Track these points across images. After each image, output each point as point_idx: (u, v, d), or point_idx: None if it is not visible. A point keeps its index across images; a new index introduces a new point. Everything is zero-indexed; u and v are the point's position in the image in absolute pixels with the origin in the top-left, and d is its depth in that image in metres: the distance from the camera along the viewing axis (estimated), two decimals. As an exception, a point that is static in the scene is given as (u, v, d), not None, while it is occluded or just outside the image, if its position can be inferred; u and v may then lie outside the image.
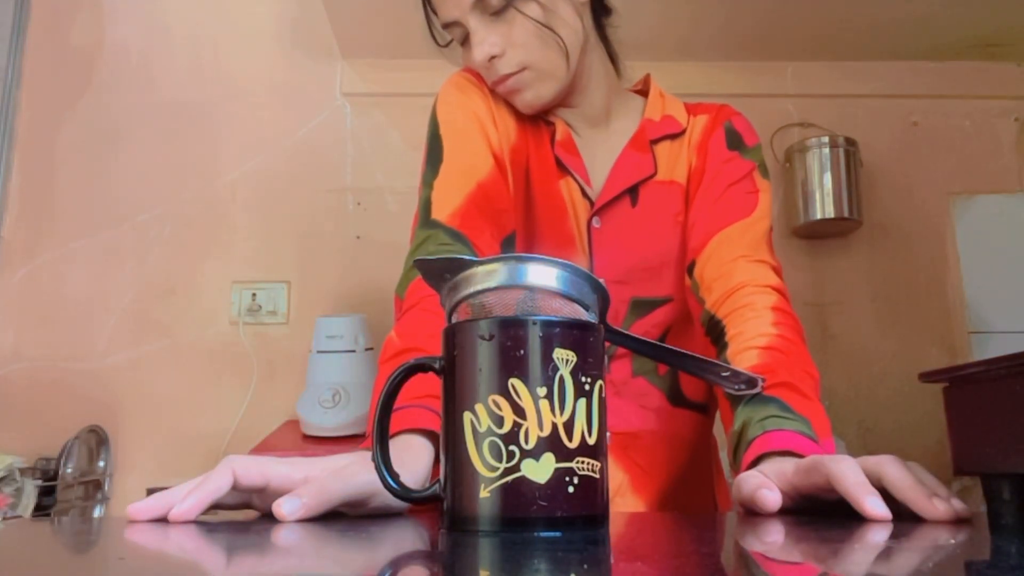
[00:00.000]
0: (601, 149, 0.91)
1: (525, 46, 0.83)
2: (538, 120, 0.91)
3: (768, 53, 2.12)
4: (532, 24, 0.82)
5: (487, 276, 0.48)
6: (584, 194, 0.88)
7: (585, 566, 0.34)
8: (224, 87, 2.13)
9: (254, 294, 2.00)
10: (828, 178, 1.99)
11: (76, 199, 2.06)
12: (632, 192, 0.88)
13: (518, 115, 0.90)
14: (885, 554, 0.36)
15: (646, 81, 0.99)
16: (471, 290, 0.48)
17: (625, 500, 0.83)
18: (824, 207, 1.98)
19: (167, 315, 1.99)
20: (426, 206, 0.82)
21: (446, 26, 0.87)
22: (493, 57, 0.84)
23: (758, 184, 0.88)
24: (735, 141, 0.91)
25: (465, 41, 0.87)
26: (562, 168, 0.88)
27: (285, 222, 2.06)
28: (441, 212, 0.81)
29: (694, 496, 0.89)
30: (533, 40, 0.83)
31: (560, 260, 0.48)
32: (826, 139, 2.02)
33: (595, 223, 0.88)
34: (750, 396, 0.69)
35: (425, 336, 0.69)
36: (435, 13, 0.88)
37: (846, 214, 1.97)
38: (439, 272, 0.50)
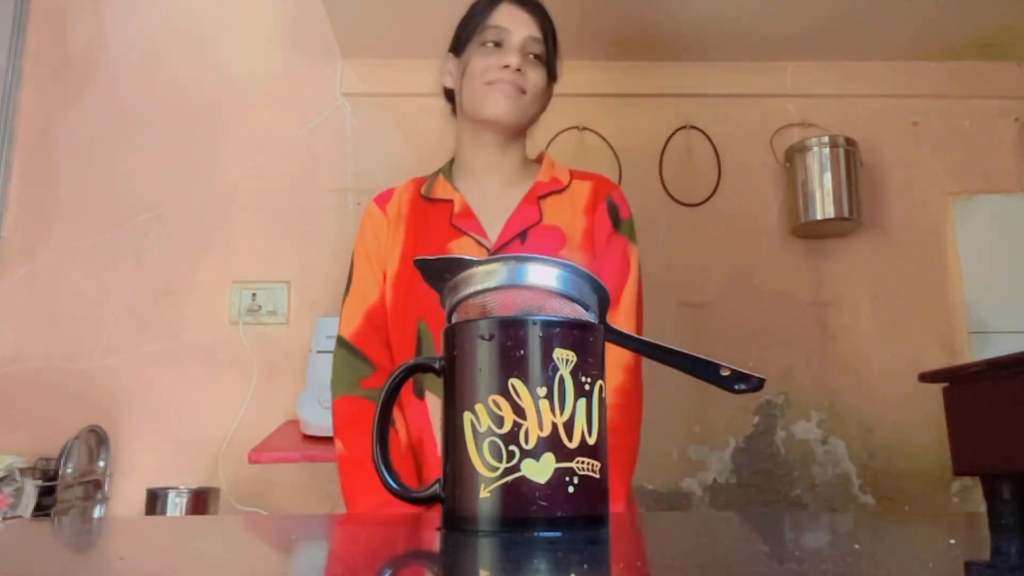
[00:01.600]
0: (500, 208, 1.16)
1: (535, 85, 1.17)
2: (437, 202, 1.18)
3: (768, 53, 2.12)
4: (543, 82, 1.19)
5: (487, 276, 0.48)
6: (479, 244, 1.13)
7: (585, 566, 0.34)
8: (224, 87, 2.13)
9: (254, 294, 2.00)
10: (828, 178, 1.99)
11: (76, 199, 2.06)
12: (522, 235, 1.13)
13: (417, 208, 1.19)
14: (885, 554, 0.36)
15: (540, 156, 1.26)
16: (471, 290, 0.48)
17: None
18: (824, 207, 1.98)
19: (167, 315, 1.99)
20: (341, 321, 1.18)
21: (490, 28, 1.16)
22: (518, 69, 1.14)
23: (630, 258, 1.16)
24: (615, 217, 1.17)
25: (489, 46, 1.16)
26: (458, 231, 1.14)
27: (285, 222, 2.05)
28: (346, 330, 1.16)
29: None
30: (538, 89, 1.18)
31: (560, 260, 0.48)
32: (826, 139, 2.02)
33: None
34: None
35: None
36: (485, 17, 1.18)
37: (846, 214, 1.97)
38: (439, 272, 0.50)
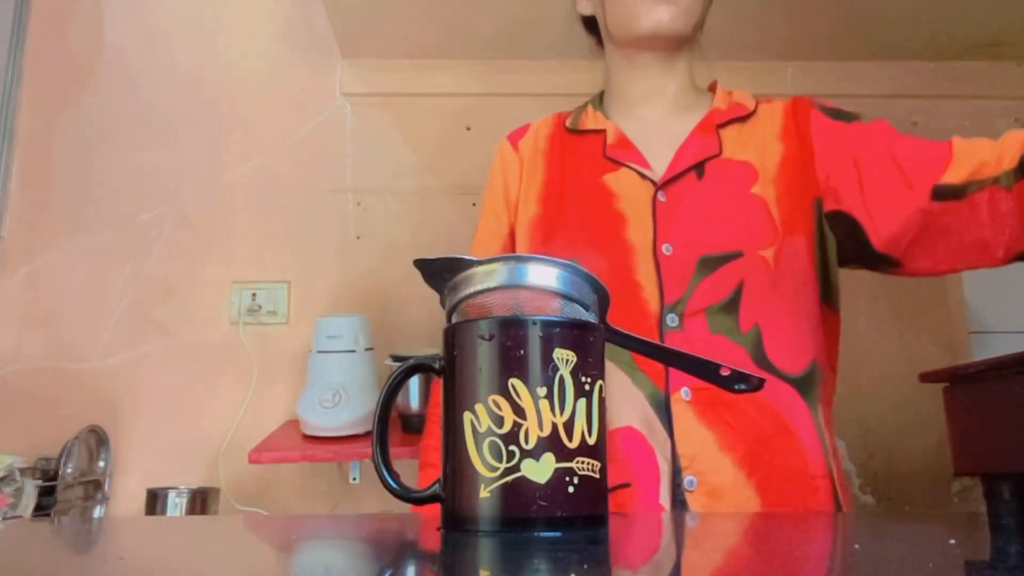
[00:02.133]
0: (666, 138, 0.97)
1: None
2: (586, 134, 1.02)
3: (768, 53, 2.12)
4: None
5: (487, 276, 0.48)
6: (642, 176, 0.95)
7: (585, 566, 0.34)
8: (224, 87, 2.13)
9: (254, 294, 2.00)
10: (828, 178, 1.99)
11: (76, 199, 2.06)
12: (697, 168, 0.94)
13: (561, 142, 1.03)
14: (885, 554, 0.36)
15: (714, 84, 1.07)
16: (471, 290, 0.48)
17: (710, 460, 0.83)
18: (824, 207, 1.98)
19: (167, 315, 1.99)
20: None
21: None
22: None
23: (897, 132, 0.97)
24: (837, 112, 0.99)
25: None
26: (614, 163, 0.97)
27: (285, 222, 2.05)
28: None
29: (795, 480, 0.86)
30: None
31: (560, 260, 0.48)
32: (826, 139, 2.02)
33: (660, 197, 0.93)
34: None
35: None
36: None
37: (846, 214, 1.97)
38: (439, 272, 0.50)
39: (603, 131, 1.00)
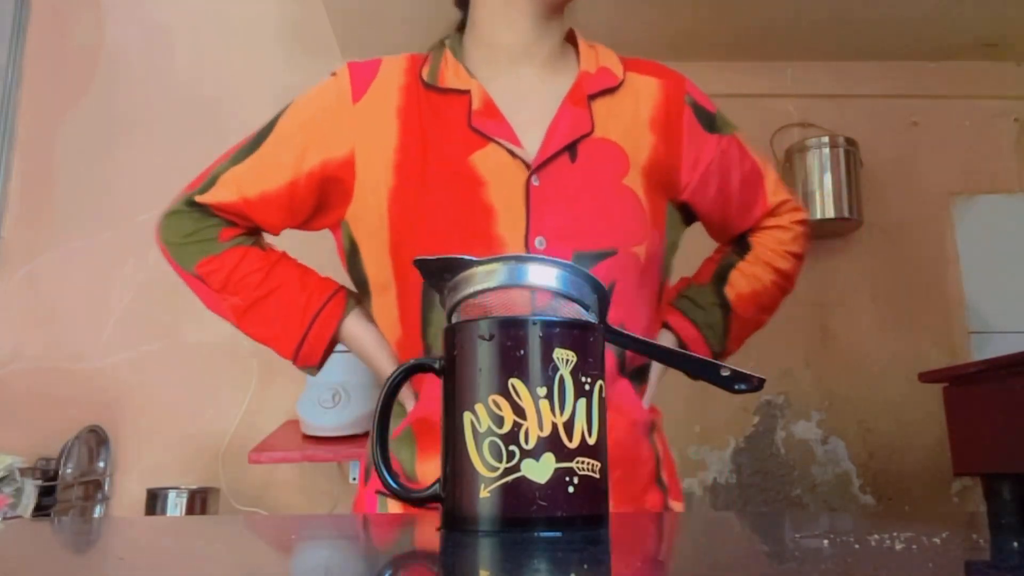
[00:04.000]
0: (536, 106, 0.87)
1: None
2: (447, 93, 0.87)
3: (768, 53, 2.12)
4: None
5: (487, 276, 0.48)
6: (513, 154, 0.84)
7: (585, 566, 0.34)
8: (224, 87, 2.13)
9: (254, 294, 1.99)
10: (828, 178, 1.99)
11: (76, 199, 2.06)
12: (571, 148, 0.85)
13: (419, 97, 0.88)
14: (885, 554, 0.36)
15: (570, 32, 0.95)
16: (471, 290, 0.48)
17: None
18: (824, 207, 1.98)
19: (167, 315, 1.99)
20: (204, 184, 0.96)
21: None
22: None
23: (746, 148, 1.00)
24: (706, 119, 0.96)
25: None
26: (481, 137, 0.84)
27: (285, 222, 2.05)
28: (210, 197, 0.95)
29: (636, 476, 0.87)
30: None
31: (560, 260, 0.48)
32: (826, 139, 2.02)
33: (534, 181, 0.84)
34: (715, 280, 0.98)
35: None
36: None
37: (846, 214, 1.97)
38: (439, 272, 0.50)
39: (467, 92, 0.86)
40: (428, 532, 0.48)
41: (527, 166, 0.84)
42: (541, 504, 0.42)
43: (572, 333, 0.45)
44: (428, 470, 0.88)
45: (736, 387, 0.70)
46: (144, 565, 0.38)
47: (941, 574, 0.32)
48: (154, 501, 1.74)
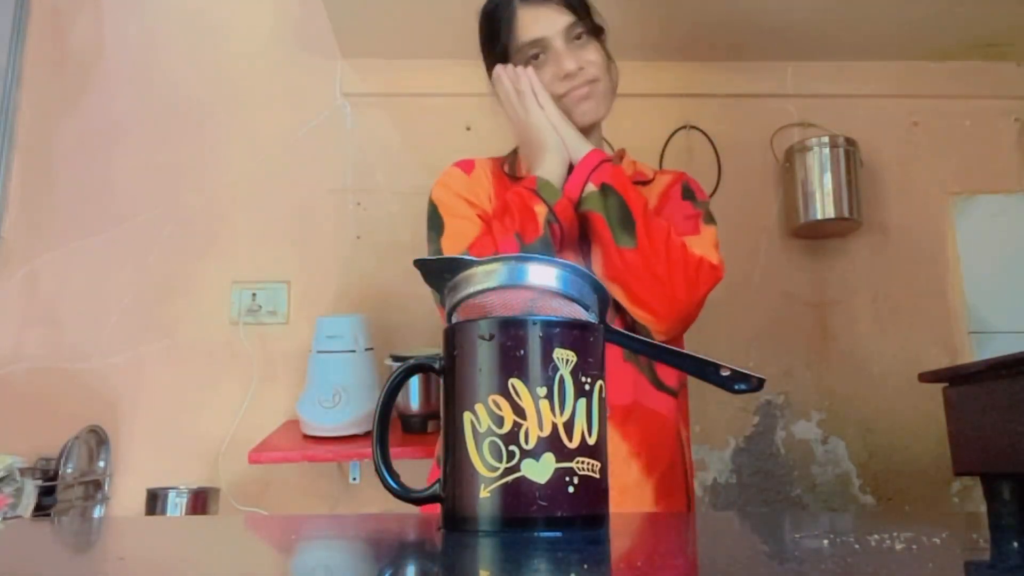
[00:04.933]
0: None
1: (597, 65, 1.09)
2: (517, 180, 1.12)
3: (768, 53, 2.12)
4: (603, 52, 1.11)
5: (487, 276, 0.48)
6: None
7: (585, 566, 0.34)
8: (224, 87, 2.13)
9: (254, 294, 2.00)
10: (828, 178, 1.99)
11: (76, 199, 2.06)
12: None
13: (502, 183, 1.14)
14: (885, 554, 0.36)
15: (622, 152, 1.23)
16: (471, 290, 0.48)
17: (630, 466, 1.02)
18: (824, 207, 1.98)
19: (167, 315, 1.99)
20: (436, 253, 1.08)
21: (524, 46, 1.09)
22: (568, 74, 1.07)
23: (701, 224, 1.10)
24: (689, 194, 1.16)
25: (536, 59, 1.10)
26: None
27: (285, 222, 2.05)
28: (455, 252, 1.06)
29: (673, 477, 1.06)
30: (602, 64, 1.10)
31: (560, 260, 0.48)
32: (826, 139, 2.02)
33: None
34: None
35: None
36: (509, 33, 1.11)
37: (846, 214, 1.97)
38: (439, 272, 0.50)
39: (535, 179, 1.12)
40: (428, 532, 0.48)
41: None
42: (541, 504, 0.42)
43: (572, 333, 0.45)
44: None
45: (736, 387, 0.70)
46: (144, 565, 0.38)
47: (941, 574, 0.32)
48: (154, 501, 1.74)
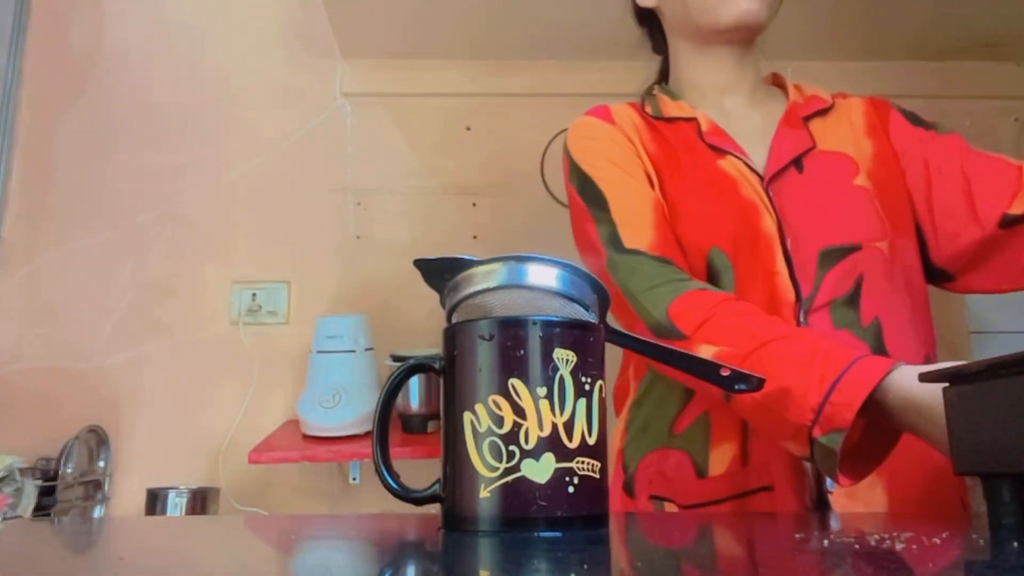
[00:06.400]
0: (753, 130, 0.97)
1: None
2: (676, 121, 0.98)
3: (768, 53, 2.11)
4: None
5: (487, 276, 0.48)
6: (749, 167, 0.92)
7: (585, 566, 0.34)
8: (224, 87, 2.13)
9: (254, 294, 2.00)
10: (828, 178, 1.99)
11: (76, 199, 2.06)
12: (796, 162, 0.93)
13: (650, 128, 0.98)
14: (885, 554, 0.36)
15: (777, 77, 1.10)
16: (471, 290, 0.48)
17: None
18: (824, 207, 1.98)
19: (167, 315, 1.99)
20: (613, 238, 0.88)
21: None
22: None
23: (964, 141, 0.99)
24: (915, 118, 1.03)
25: None
26: (718, 151, 0.94)
27: (285, 222, 2.06)
28: (638, 243, 0.87)
29: (927, 476, 0.82)
30: None
31: (560, 260, 0.48)
32: (826, 139, 2.01)
33: (769, 192, 0.92)
34: None
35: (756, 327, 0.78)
36: None
37: (846, 214, 1.97)
38: (439, 272, 0.50)
39: (694, 119, 0.96)
40: (428, 532, 0.48)
41: (761, 176, 0.92)
42: (541, 504, 0.42)
43: (572, 333, 0.45)
44: (719, 455, 0.85)
45: (736, 387, 0.70)
46: (144, 565, 0.38)
47: (941, 574, 0.32)
48: (154, 501, 1.74)
